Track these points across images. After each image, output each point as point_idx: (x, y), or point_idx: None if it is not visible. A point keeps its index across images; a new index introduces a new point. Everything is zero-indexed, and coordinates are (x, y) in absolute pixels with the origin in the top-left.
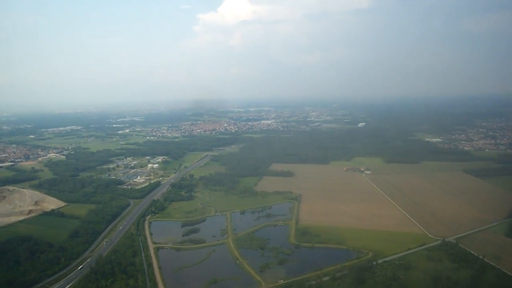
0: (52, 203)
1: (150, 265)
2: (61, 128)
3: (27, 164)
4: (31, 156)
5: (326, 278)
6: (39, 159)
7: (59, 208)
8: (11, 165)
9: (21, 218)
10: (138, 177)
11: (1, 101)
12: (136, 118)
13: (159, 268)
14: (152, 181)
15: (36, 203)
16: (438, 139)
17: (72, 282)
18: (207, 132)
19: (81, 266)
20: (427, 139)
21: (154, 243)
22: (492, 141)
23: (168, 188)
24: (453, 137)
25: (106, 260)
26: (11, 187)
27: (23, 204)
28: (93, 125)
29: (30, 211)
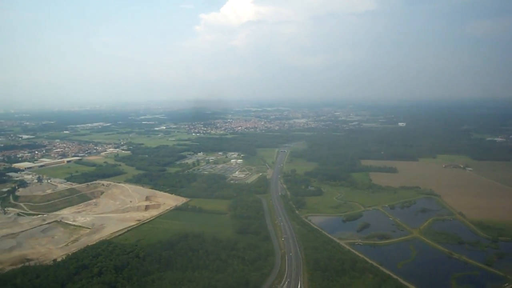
0: (167, 198)
1: (363, 261)
2: (89, 125)
3: (94, 159)
4: (89, 151)
5: None
6: (102, 153)
7: (183, 203)
8: (79, 159)
9: (146, 214)
10: (237, 172)
11: (1, 98)
12: (158, 116)
13: (380, 264)
14: (257, 175)
15: (147, 198)
16: (500, 139)
17: (300, 280)
18: (250, 130)
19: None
20: (488, 139)
21: (340, 238)
22: None
23: (282, 183)
24: (511, 136)
25: (324, 258)
26: (105, 182)
27: (133, 200)
28: (120, 122)
29: (147, 207)
